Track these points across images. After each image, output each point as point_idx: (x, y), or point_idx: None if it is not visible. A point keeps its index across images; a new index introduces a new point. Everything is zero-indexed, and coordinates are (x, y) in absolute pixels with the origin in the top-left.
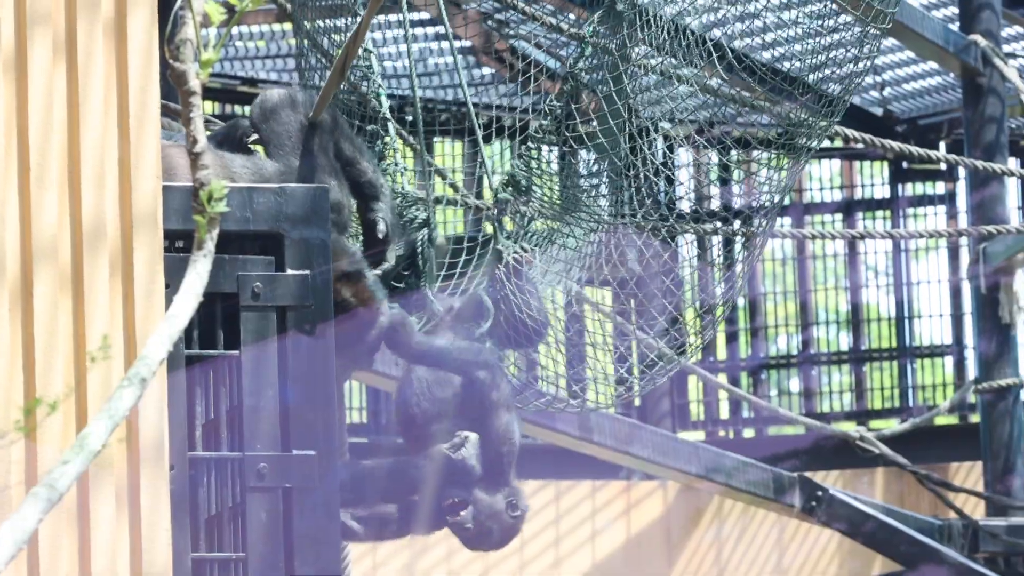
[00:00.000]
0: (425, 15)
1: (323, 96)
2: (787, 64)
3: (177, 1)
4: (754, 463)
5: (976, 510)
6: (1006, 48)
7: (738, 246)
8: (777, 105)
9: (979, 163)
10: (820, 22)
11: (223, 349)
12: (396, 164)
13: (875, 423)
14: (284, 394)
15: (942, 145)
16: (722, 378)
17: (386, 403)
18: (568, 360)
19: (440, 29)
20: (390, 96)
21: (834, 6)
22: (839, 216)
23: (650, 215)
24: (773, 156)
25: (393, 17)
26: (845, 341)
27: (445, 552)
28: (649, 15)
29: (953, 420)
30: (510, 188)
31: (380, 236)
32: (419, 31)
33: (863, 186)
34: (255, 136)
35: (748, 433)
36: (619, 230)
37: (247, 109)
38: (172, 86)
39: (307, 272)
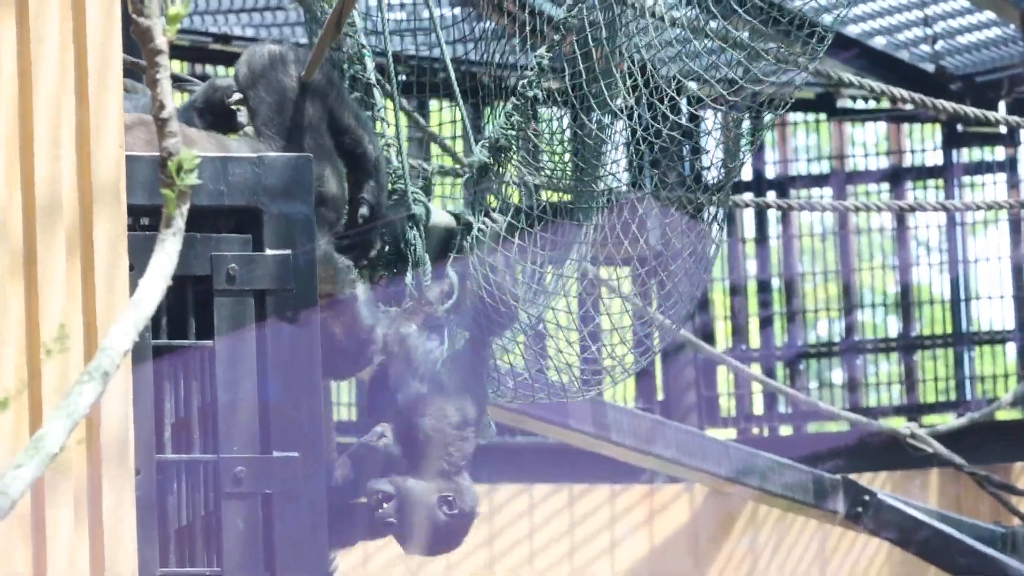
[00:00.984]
0: None
1: (316, 54)
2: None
3: None
4: (792, 464)
5: None
6: None
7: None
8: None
9: None
10: None
11: (195, 339)
12: (383, 135)
13: (928, 418)
14: (264, 389)
15: (1001, 105)
16: (755, 368)
17: None
18: (581, 345)
19: None
20: (379, 54)
21: None
22: (886, 186)
23: (674, 186)
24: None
25: None
26: (894, 326)
27: (444, 566)
28: None
29: (1016, 415)
30: (489, 151)
31: (359, 221)
32: None
33: (913, 152)
34: (238, 96)
35: (785, 430)
36: (639, 203)
37: (220, 69)
38: (136, 43)
39: (288, 252)
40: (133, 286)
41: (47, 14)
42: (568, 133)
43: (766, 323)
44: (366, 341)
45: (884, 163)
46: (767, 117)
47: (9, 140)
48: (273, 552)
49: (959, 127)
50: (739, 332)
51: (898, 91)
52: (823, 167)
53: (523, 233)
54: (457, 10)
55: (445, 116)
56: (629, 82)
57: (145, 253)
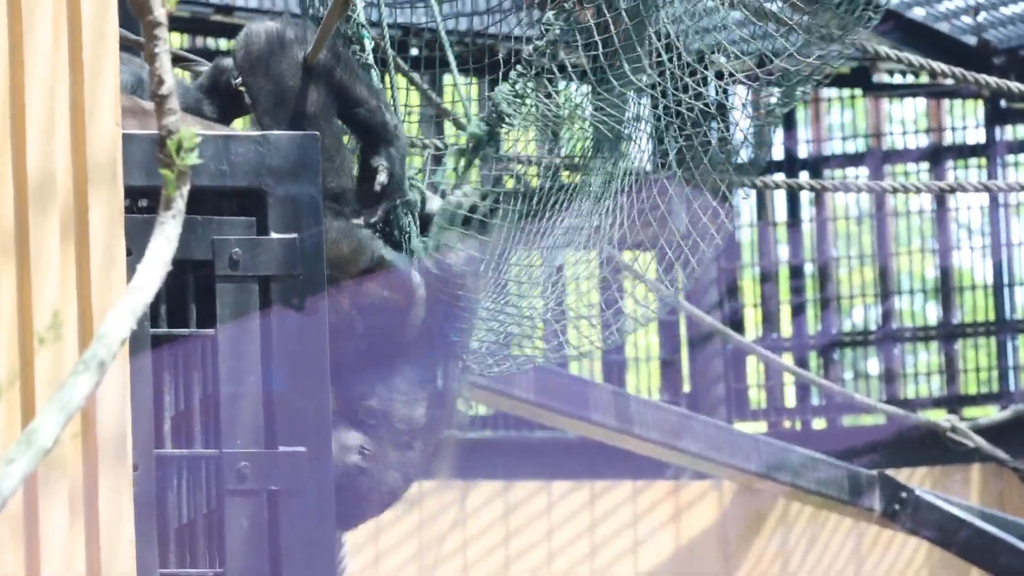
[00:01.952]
0: None
1: (322, 33)
2: None
3: None
4: (825, 459)
5: None
6: None
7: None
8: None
9: None
10: None
11: (196, 327)
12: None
13: (969, 411)
14: (268, 380)
15: None
16: (787, 359)
17: None
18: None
19: None
20: (391, 27)
21: None
22: (925, 165)
23: (701, 166)
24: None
25: None
26: (933, 314)
27: (460, 567)
28: None
29: None
30: (488, 123)
31: (377, 188)
32: None
33: (954, 129)
34: (241, 80)
35: (818, 423)
36: (664, 183)
37: (221, 43)
38: (133, 15)
39: (295, 236)
40: (131, 272)
41: None
42: (587, 109)
43: (798, 311)
44: (412, 296)
45: (923, 141)
46: (796, 93)
47: None
48: (279, 551)
49: (1003, 103)
50: (770, 320)
51: (938, 65)
52: (859, 146)
53: (523, 215)
54: None
55: (460, 92)
56: (654, 56)
57: (143, 237)
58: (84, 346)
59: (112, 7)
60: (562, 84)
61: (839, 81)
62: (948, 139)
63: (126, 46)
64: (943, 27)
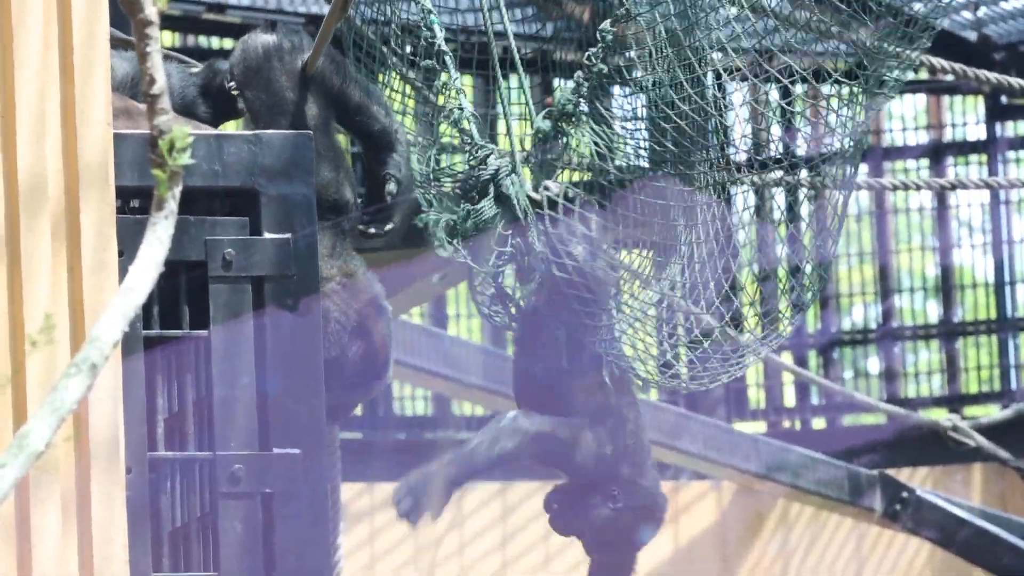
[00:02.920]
0: None
1: (320, 39)
2: None
3: None
4: (825, 459)
5: None
6: None
7: (803, 200)
8: (850, 31)
9: None
10: None
11: (189, 328)
12: (461, 108)
13: (971, 410)
14: (262, 381)
15: None
16: (786, 357)
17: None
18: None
19: None
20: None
21: None
22: (925, 162)
23: (700, 164)
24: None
25: None
26: (934, 312)
27: (457, 570)
28: None
29: None
30: (553, 120)
31: (388, 198)
32: None
33: (954, 126)
34: (235, 86)
35: (818, 423)
36: (662, 182)
37: (214, 41)
38: (123, 14)
39: (288, 236)
40: (123, 273)
41: None
42: (642, 110)
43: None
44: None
45: (923, 138)
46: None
47: None
48: (273, 554)
49: (1003, 99)
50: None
51: (938, 61)
52: None
53: (592, 207)
54: None
55: (512, 95)
56: (654, 54)
57: (135, 238)
58: (76, 348)
59: (103, 9)
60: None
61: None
62: (948, 136)
63: (117, 45)
64: (943, 23)
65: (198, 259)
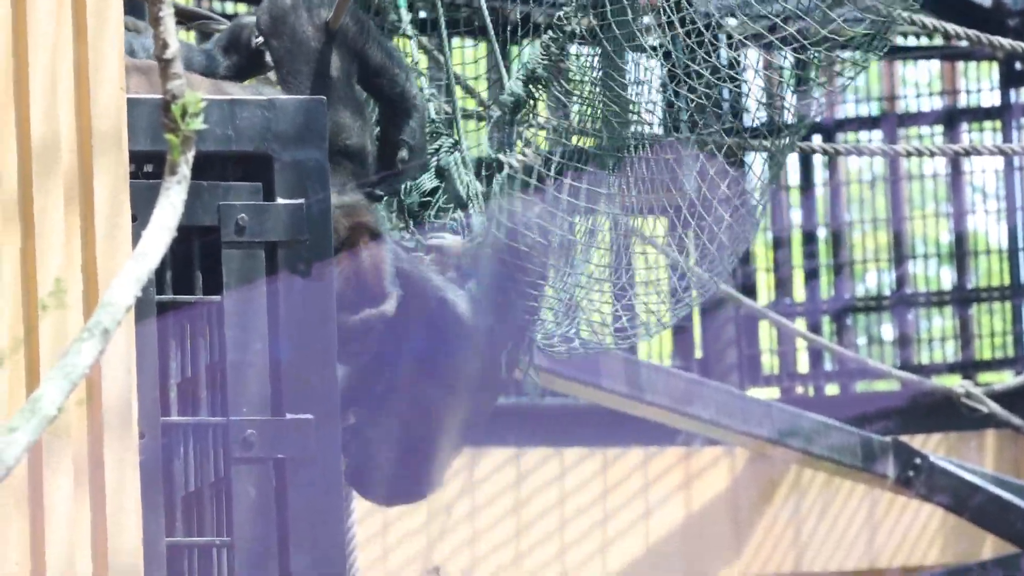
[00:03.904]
0: None
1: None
2: None
3: None
4: (839, 425)
5: None
6: None
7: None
8: None
9: None
10: None
11: (202, 293)
12: (421, 89)
13: (984, 376)
14: (275, 347)
15: None
16: (800, 324)
17: None
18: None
19: None
20: None
21: None
22: (939, 128)
23: (713, 129)
24: (858, 56)
25: None
26: (948, 278)
27: (469, 536)
28: None
29: None
30: (524, 84)
31: (399, 164)
32: None
33: (968, 92)
34: (262, 39)
35: (831, 389)
36: (675, 148)
37: (227, 6)
38: None
39: (301, 201)
40: (135, 238)
41: None
42: (598, 74)
43: (811, 276)
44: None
45: (938, 104)
46: (812, 55)
47: (2, 82)
48: (286, 520)
49: (1018, 65)
50: (783, 285)
51: (953, 27)
52: (872, 109)
53: (549, 180)
54: None
55: (467, 56)
56: (664, 18)
57: (148, 203)
58: (88, 313)
59: None
60: (573, 48)
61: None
62: (963, 102)
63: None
64: None
65: (211, 224)
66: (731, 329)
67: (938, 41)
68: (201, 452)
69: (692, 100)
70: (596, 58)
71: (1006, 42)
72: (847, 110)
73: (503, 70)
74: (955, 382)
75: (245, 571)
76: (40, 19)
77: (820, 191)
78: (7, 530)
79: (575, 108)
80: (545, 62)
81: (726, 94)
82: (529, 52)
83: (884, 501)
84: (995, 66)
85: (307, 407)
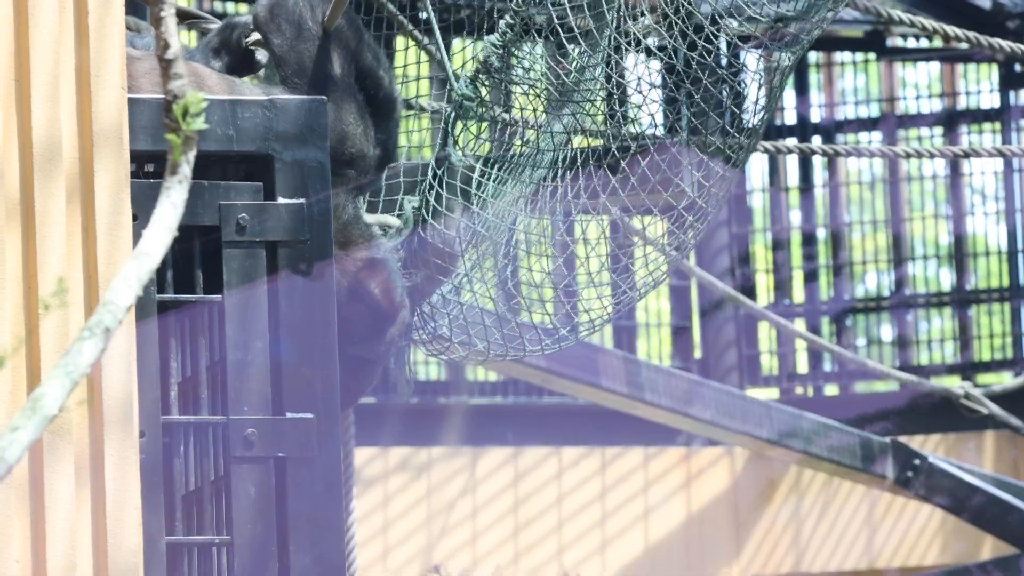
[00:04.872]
0: None
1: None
2: None
3: None
4: (838, 426)
5: None
6: None
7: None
8: None
9: None
10: None
11: (202, 293)
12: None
13: (983, 377)
14: (276, 346)
15: None
16: (800, 325)
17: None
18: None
19: None
20: None
21: None
22: (939, 130)
23: (712, 131)
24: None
25: None
26: (947, 280)
27: (469, 535)
28: None
29: None
30: (478, 77)
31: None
32: None
33: (968, 94)
34: (256, 36)
35: (831, 390)
36: (673, 149)
37: (229, 6)
38: None
39: (302, 201)
40: (136, 237)
41: None
42: (543, 68)
43: (811, 277)
44: (395, 308)
45: (937, 106)
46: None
47: (4, 83)
48: (286, 519)
49: (1017, 67)
50: (782, 286)
51: (952, 29)
52: (872, 110)
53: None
54: None
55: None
56: (662, 17)
57: (149, 202)
58: (90, 312)
59: None
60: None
61: (852, 45)
62: (962, 103)
63: (132, 6)
64: None
65: (212, 224)
66: (731, 330)
67: (937, 43)
68: (201, 451)
69: (692, 101)
70: (539, 51)
71: (1005, 44)
72: (847, 111)
73: (449, 67)
74: (954, 383)
75: (245, 570)
76: (42, 19)
77: (819, 192)
78: (8, 528)
79: (519, 101)
80: (499, 52)
81: (726, 96)
82: (482, 44)
83: (883, 502)
84: (994, 68)
85: (307, 406)
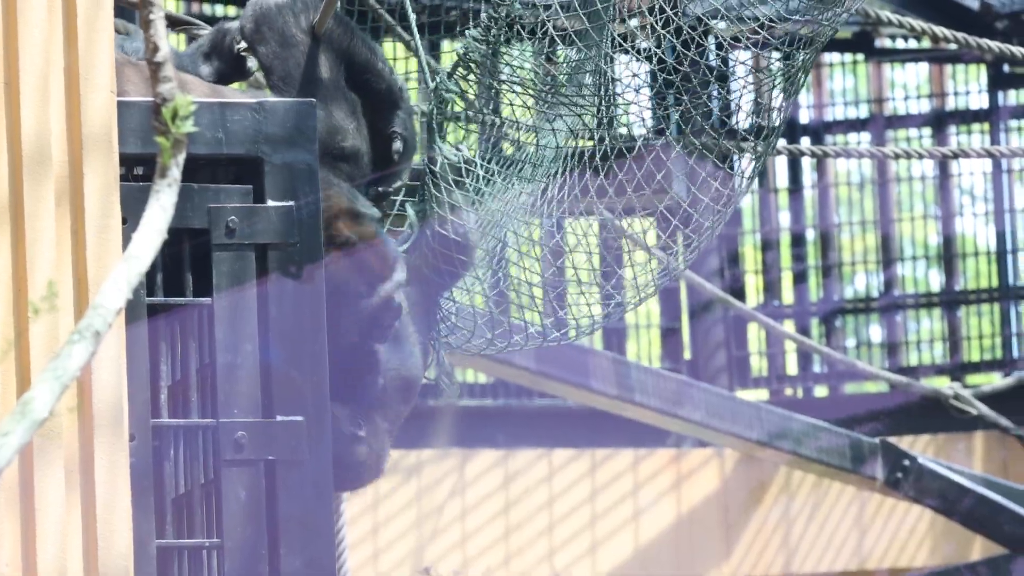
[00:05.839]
0: None
1: (328, 3)
2: None
3: None
4: (828, 427)
5: None
6: None
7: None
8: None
9: None
10: None
11: (192, 296)
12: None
13: (973, 378)
14: (266, 349)
15: None
16: (789, 326)
17: None
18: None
19: None
20: None
21: None
22: (928, 131)
23: (701, 131)
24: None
25: None
26: (936, 281)
27: (459, 537)
28: None
29: None
30: (458, 72)
31: (395, 156)
32: None
33: (956, 95)
34: (244, 45)
35: (820, 391)
36: (663, 149)
37: (218, 9)
38: None
39: (291, 203)
40: (126, 240)
41: None
42: (532, 68)
43: (800, 278)
44: (390, 269)
45: (926, 107)
46: (800, 57)
47: None
48: (277, 522)
49: (1006, 68)
50: (771, 287)
51: (941, 30)
52: (861, 111)
53: (481, 178)
54: None
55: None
56: (647, 19)
57: (139, 205)
58: (79, 315)
59: None
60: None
61: (841, 46)
62: (951, 104)
63: (121, 9)
64: None
65: (201, 226)
66: (720, 331)
67: (926, 44)
68: (191, 454)
69: (681, 103)
70: (528, 52)
71: (994, 45)
72: (835, 112)
73: (422, 60)
74: (943, 384)
75: (235, 573)
76: (31, 22)
77: (808, 193)
78: None
79: (507, 100)
80: (481, 47)
81: (715, 96)
82: (465, 40)
83: (873, 503)
84: (983, 69)
85: (297, 409)
